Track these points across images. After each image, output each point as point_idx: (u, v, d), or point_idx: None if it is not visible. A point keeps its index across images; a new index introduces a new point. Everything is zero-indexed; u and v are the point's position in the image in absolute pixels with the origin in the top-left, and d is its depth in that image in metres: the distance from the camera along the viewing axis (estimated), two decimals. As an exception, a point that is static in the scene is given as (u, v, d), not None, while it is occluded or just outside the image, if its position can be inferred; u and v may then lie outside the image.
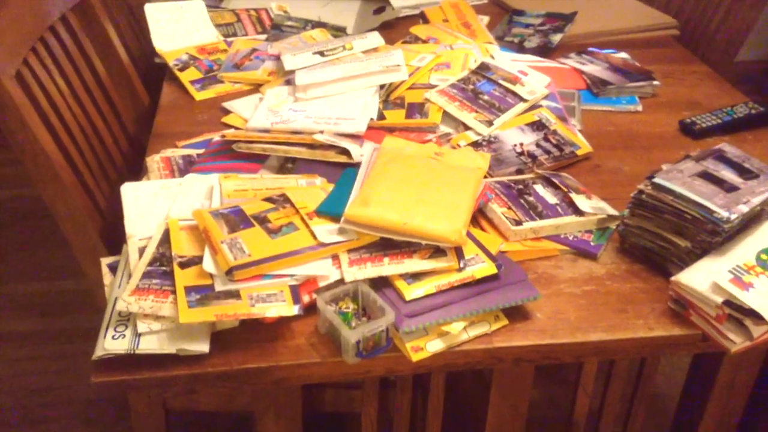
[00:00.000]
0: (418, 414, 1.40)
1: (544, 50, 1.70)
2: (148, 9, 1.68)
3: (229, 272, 0.94)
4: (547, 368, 1.75)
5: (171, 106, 1.50)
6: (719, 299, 0.93)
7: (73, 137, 1.29)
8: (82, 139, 1.32)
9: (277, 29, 1.74)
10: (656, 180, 1.05)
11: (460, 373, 1.21)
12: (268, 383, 0.95)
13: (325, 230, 1.02)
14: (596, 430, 1.40)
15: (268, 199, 1.08)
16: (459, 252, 1.00)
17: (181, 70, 1.58)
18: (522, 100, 1.39)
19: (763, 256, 0.97)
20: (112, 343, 0.90)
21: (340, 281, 0.99)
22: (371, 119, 1.32)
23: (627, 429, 1.40)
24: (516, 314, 0.99)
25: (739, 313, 0.92)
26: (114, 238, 1.30)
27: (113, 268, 1.04)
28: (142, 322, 0.92)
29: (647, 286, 1.05)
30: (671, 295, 1.00)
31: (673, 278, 0.98)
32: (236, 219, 1.03)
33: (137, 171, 1.48)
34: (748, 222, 1.04)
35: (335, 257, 1.01)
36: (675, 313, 1.00)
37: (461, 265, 0.99)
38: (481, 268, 0.99)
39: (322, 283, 0.99)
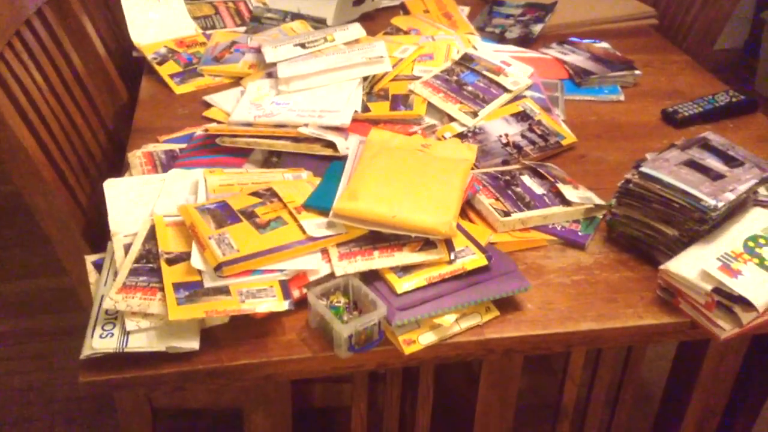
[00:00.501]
0: (407, 407, 1.40)
1: (525, 41, 1.70)
2: (125, 2, 1.65)
3: (218, 268, 0.93)
4: (533, 357, 1.76)
5: (151, 100, 1.48)
6: (708, 287, 0.93)
7: (53, 133, 1.27)
8: (61, 135, 1.30)
9: (256, 21, 1.72)
10: (643, 169, 1.06)
11: (447, 366, 1.21)
12: (260, 379, 0.94)
13: (314, 224, 1.01)
14: (584, 418, 1.41)
15: (255, 194, 1.07)
16: (449, 244, 1.00)
17: (160, 63, 1.56)
18: (506, 90, 1.39)
19: (750, 243, 0.98)
20: (100, 342, 0.89)
21: (331, 275, 0.98)
22: (356, 111, 1.31)
23: (614, 416, 1.41)
24: (507, 305, 0.99)
25: (728, 301, 0.93)
26: (96, 235, 1.28)
27: (98, 266, 1.03)
28: (131, 320, 0.90)
29: (635, 275, 1.06)
30: (660, 283, 1.01)
31: (661, 267, 0.99)
32: (223, 214, 1.02)
33: (117, 167, 1.46)
34: (734, 209, 1.05)
35: (324, 251, 1.00)
36: (664, 301, 1.01)
37: (452, 257, 0.98)
38: (472, 259, 0.99)
39: (312, 278, 0.98)
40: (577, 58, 1.58)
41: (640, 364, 1.35)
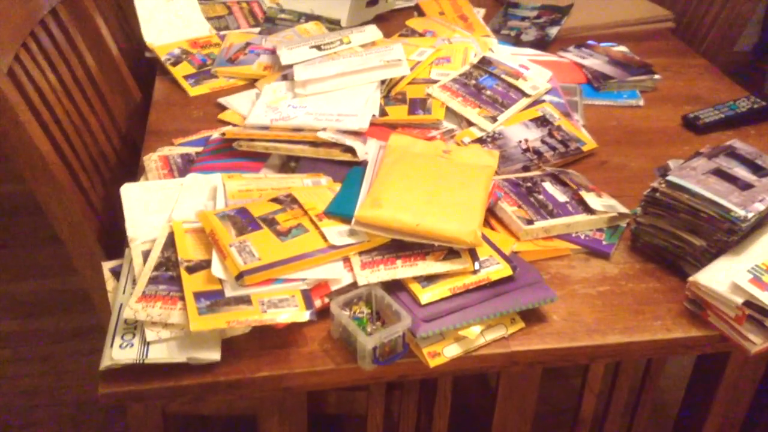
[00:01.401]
0: (422, 417, 1.38)
1: (542, 43, 1.68)
2: (138, 2, 1.63)
3: (240, 277, 0.91)
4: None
5: (164, 102, 1.46)
6: (739, 300, 0.92)
7: (67, 136, 1.25)
8: (75, 137, 1.28)
9: (270, 22, 1.70)
10: (670, 178, 1.04)
11: (463, 379, 1.19)
12: (281, 391, 0.92)
13: (336, 232, 0.99)
14: (601, 428, 1.39)
15: (275, 200, 1.05)
16: (473, 253, 0.98)
17: (174, 64, 1.54)
18: (525, 95, 1.37)
19: (781, 256, 0.96)
20: (119, 353, 0.87)
21: (353, 285, 0.96)
22: (373, 116, 1.30)
23: (632, 426, 1.39)
24: (531, 316, 0.97)
25: (759, 314, 0.91)
26: (111, 239, 1.26)
27: (116, 273, 1.01)
28: (151, 330, 0.89)
29: (662, 285, 1.04)
30: (687, 295, 0.99)
31: (690, 278, 0.97)
32: (243, 221, 1.00)
33: (131, 170, 1.44)
34: (762, 220, 1.03)
35: (346, 260, 0.98)
36: (692, 313, 0.99)
37: (476, 267, 0.96)
38: (496, 269, 0.97)
39: (334, 287, 0.96)
40: (595, 62, 1.56)
41: (660, 374, 1.33)
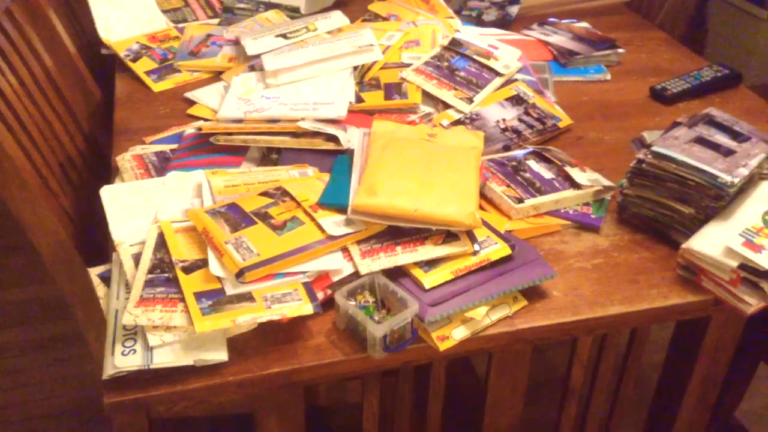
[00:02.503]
0: (415, 400, 1.38)
1: (504, 23, 1.69)
2: (91, -3, 1.57)
3: (240, 274, 0.89)
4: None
5: (128, 99, 1.41)
6: (734, 263, 0.94)
7: (32, 138, 1.20)
8: (41, 140, 1.23)
9: (229, 12, 1.66)
10: (656, 149, 1.05)
11: (451, 364, 1.20)
12: (292, 386, 0.90)
13: (332, 222, 0.98)
14: (590, 396, 1.41)
15: (265, 194, 1.03)
16: (471, 235, 0.98)
17: (134, 60, 1.49)
18: (498, 74, 1.37)
19: (768, 218, 0.99)
20: (123, 360, 0.84)
21: (354, 275, 0.95)
22: (350, 102, 1.28)
23: (618, 393, 1.42)
24: (532, 294, 0.98)
25: (754, 276, 0.94)
26: (87, 245, 1.22)
27: (104, 279, 0.97)
28: (153, 335, 0.86)
29: (653, 255, 1.06)
30: (680, 262, 1.01)
31: (684, 245, 0.99)
32: (236, 217, 0.98)
33: (98, 172, 1.39)
34: (744, 185, 1.06)
35: (345, 250, 0.97)
36: (685, 279, 1.01)
37: (476, 249, 0.96)
38: (495, 249, 0.97)
39: (335, 278, 0.95)
40: (560, 39, 1.58)
41: (645, 341, 1.36)
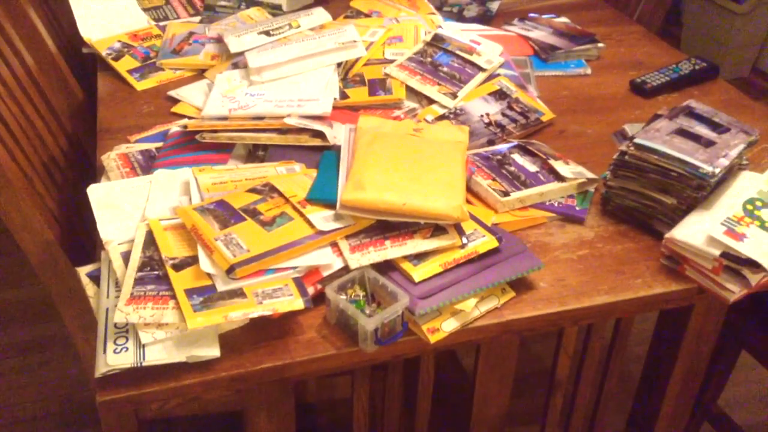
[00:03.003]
0: (405, 397, 1.39)
1: (485, 18, 1.70)
2: (71, -4, 1.56)
3: (230, 270, 0.90)
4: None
5: (111, 98, 1.41)
6: (716, 252, 0.96)
7: (17, 140, 1.19)
8: (24, 140, 1.22)
9: (210, 10, 1.66)
10: (638, 141, 1.07)
11: (440, 360, 1.21)
12: (282, 381, 0.91)
13: (321, 217, 0.98)
14: (576, 387, 1.43)
15: (253, 190, 1.03)
16: (459, 228, 0.99)
17: (116, 59, 1.48)
18: (481, 69, 1.39)
19: (749, 207, 1.01)
20: (115, 358, 0.84)
21: (343, 269, 0.96)
22: (335, 99, 1.28)
23: (604, 384, 1.44)
24: (520, 285, 0.99)
25: (736, 264, 0.96)
26: (72, 244, 1.22)
27: (94, 277, 0.97)
28: (145, 332, 0.86)
29: (637, 245, 1.07)
30: (663, 252, 1.03)
31: (667, 235, 1.01)
32: (225, 214, 0.98)
33: (82, 171, 1.39)
34: (724, 174, 1.08)
35: (334, 245, 0.97)
36: (669, 269, 1.03)
37: (464, 241, 0.97)
38: (483, 242, 0.98)
39: (325, 273, 0.95)
40: (540, 34, 1.59)
41: (629, 331, 1.38)
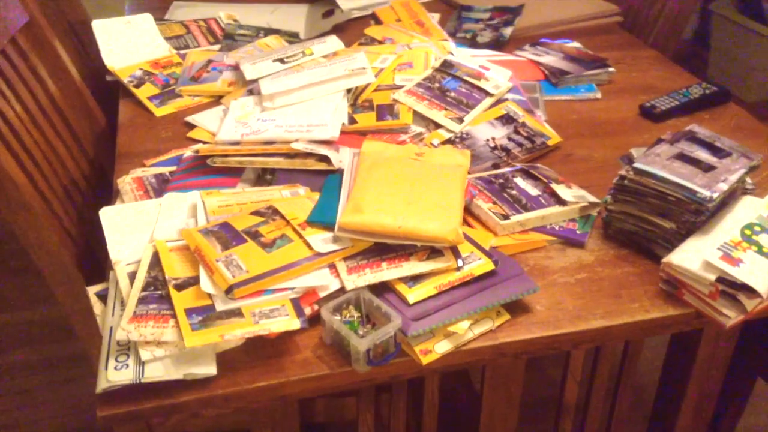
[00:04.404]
0: (411, 417, 1.40)
1: (498, 44, 1.72)
2: (96, 26, 1.63)
3: (229, 290, 0.92)
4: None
5: (131, 124, 1.46)
6: (712, 277, 0.96)
7: (37, 164, 1.24)
8: (45, 164, 1.27)
9: (229, 39, 1.71)
10: (637, 165, 1.08)
11: (448, 380, 1.22)
12: (277, 400, 0.93)
13: (320, 240, 1.01)
14: (585, 413, 1.43)
15: (257, 213, 1.06)
16: (456, 251, 1.00)
17: (137, 86, 1.53)
18: (488, 94, 1.41)
19: (747, 231, 1.01)
20: (115, 374, 0.87)
21: (340, 290, 0.98)
22: (343, 124, 1.32)
23: (614, 409, 1.43)
24: (516, 308, 1.00)
25: (732, 289, 0.95)
26: (88, 265, 1.26)
27: (102, 297, 1.01)
28: (145, 350, 0.89)
29: (636, 269, 1.08)
30: (662, 276, 1.03)
31: (664, 260, 1.01)
32: (227, 236, 1.01)
33: (101, 194, 1.44)
34: (726, 199, 1.08)
35: (332, 266, 1.00)
36: (667, 293, 1.03)
37: (459, 264, 0.99)
38: (479, 265, 1.00)
39: (322, 294, 0.97)
40: (551, 59, 1.61)
41: (638, 357, 1.38)
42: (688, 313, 1.01)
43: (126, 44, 1.63)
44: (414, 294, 0.96)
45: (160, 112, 1.48)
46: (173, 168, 1.27)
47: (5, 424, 1.86)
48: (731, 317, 0.97)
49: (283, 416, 1.19)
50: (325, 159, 1.20)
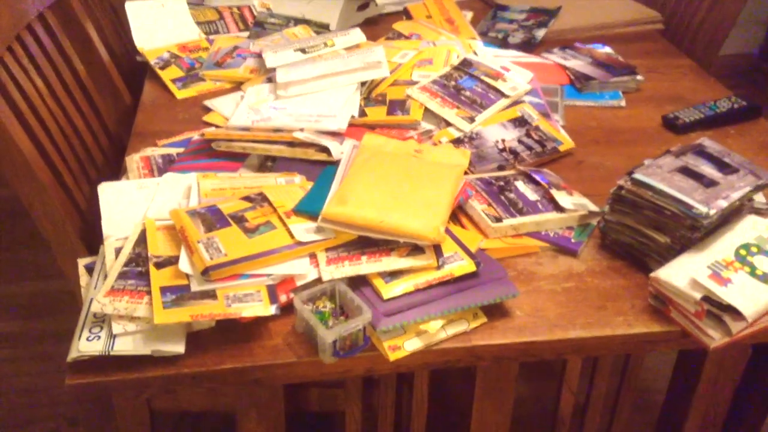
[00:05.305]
0: (404, 411, 1.39)
1: (528, 46, 1.69)
2: (129, 7, 1.67)
3: (205, 272, 0.94)
4: (533, 364, 1.75)
5: (152, 104, 1.49)
6: (698, 295, 0.92)
7: (51, 137, 1.28)
8: (60, 138, 1.31)
9: (259, 26, 1.73)
10: (635, 175, 1.05)
11: (447, 370, 1.20)
12: (245, 383, 0.94)
13: (303, 229, 1.01)
14: (582, 426, 1.40)
15: (246, 198, 1.07)
16: (437, 249, 0.99)
17: (162, 68, 1.57)
18: (504, 96, 1.39)
19: (742, 252, 0.97)
20: (86, 345, 0.90)
21: (318, 280, 0.98)
22: (352, 116, 1.32)
23: (612, 425, 1.40)
24: (495, 312, 0.99)
25: (717, 309, 0.92)
26: (94, 238, 1.29)
27: (90, 269, 1.03)
28: (117, 324, 0.91)
29: (628, 282, 1.05)
30: (651, 291, 1.00)
31: (652, 274, 0.98)
32: (213, 218, 1.02)
33: (119, 171, 1.47)
34: (729, 216, 1.04)
35: (313, 256, 1.00)
36: (655, 309, 1.00)
37: (439, 263, 0.98)
38: (460, 265, 0.98)
39: (299, 282, 0.98)
40: (578, 63, 1.57)
41: (638, 371, 1.34)
42: (673, 331, 0.98)
43: (157, 26, 1.66)
44: (389, 289, 0.95)
45: (181, 94, 1.51)
46: (182, 149, 1.29)
47: (26, 388, 1.93)
48: (716, 339, 0.93)
49: (268, 401, 1.20)
50: (325, 150, 1.20)
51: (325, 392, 1.39)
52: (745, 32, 3.16)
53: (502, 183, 1.18)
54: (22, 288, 2.25)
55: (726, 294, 0.91)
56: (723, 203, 1.00)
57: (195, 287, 0.94)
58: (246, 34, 1.71)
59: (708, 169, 1.06)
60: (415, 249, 1.00)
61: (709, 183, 1.03)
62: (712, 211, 0.98)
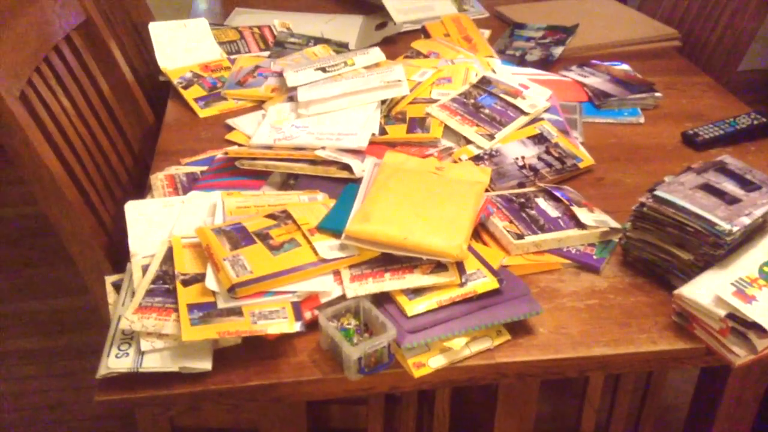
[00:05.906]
0: (425, 429, 1.39)
1: (546, 63, 1.70)
2: (153, 28, 1.70)
3: (231, 289, 0.95)
4: (553, 381, 1.74)
5: (175, 123, 1.51)
6: (722, 312, 0.92)
7: (78, 156, 1.30)
8: (86, 157, 1.33)
9: (279, 46, 1.75)
10: (657, 192, 1.05)
11: (471, 392, 1.20)
12: (270, 400, 0.95)
13: (327, 246, 1.02)
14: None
15: (270, 216, 1.08)
16: (460, 267, 1.00)
17: (185, 87, 1.59)
18: (523, 113, 1.40)
19: (766, 269, 0.97)
20: (115, 362, 0.91)
21: (342, 297, 0.99)
22: (373, 134, 1.33)
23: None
24: (518, 329, 0.99)
25: (742, 327, 0.92)
26: (119, 256, 1.31)
27: (117, 287, 1.05)
28: (145, 341, 0.92)
29: (650, 299, 1.05)
30: (674, 308, 1.00)
31: (675, 291, 0.98)
32: (238, 236, 1.03)
33: (143, 189, 1.49)
34: (751, 234, 1.04)
35: (337, 273, 1.01)
36: (678, 326, 1.00)
37: (463, 280, 0.99)
38: (483, 282, 0.99)
39: (323, 299, 0.99)
40: (596, 81, 1.58)
41: (661, 389, 1.33)
42: (698, 348, 0.98)
43: (180, 46, 1.69)
44: (413, 306, 0.96)
45: (203, 113, 1.53)
46: (206, 168, 1.30)
47: (47, 404, 1.94)
48: (741, 356, 0.93)
49: (290, 418, 1.20)
50: (347, 167, 1.21)
51: (347, 409, 1.39)
52: (763, 48, 3.16)
53: (522, 200, 1.18)
54: (46, 305, 2.28)
55: (751, 311, 0.91)
56: (746, 220, 1.00)
57: (221, 304, 0.95)
58: (267, 53, 1.74)
59: (730, 186, 1.06)
60: (438, 266, 1.01)
61: (731, 200, 1.04)
62: (735, 228, 0.99)
